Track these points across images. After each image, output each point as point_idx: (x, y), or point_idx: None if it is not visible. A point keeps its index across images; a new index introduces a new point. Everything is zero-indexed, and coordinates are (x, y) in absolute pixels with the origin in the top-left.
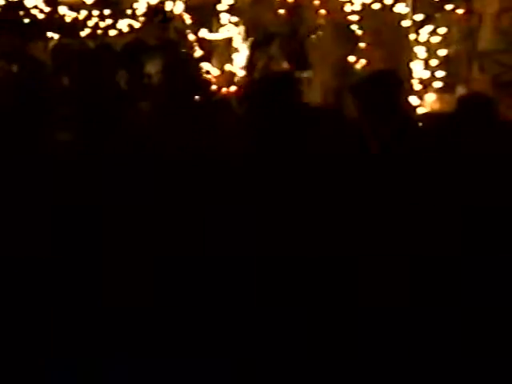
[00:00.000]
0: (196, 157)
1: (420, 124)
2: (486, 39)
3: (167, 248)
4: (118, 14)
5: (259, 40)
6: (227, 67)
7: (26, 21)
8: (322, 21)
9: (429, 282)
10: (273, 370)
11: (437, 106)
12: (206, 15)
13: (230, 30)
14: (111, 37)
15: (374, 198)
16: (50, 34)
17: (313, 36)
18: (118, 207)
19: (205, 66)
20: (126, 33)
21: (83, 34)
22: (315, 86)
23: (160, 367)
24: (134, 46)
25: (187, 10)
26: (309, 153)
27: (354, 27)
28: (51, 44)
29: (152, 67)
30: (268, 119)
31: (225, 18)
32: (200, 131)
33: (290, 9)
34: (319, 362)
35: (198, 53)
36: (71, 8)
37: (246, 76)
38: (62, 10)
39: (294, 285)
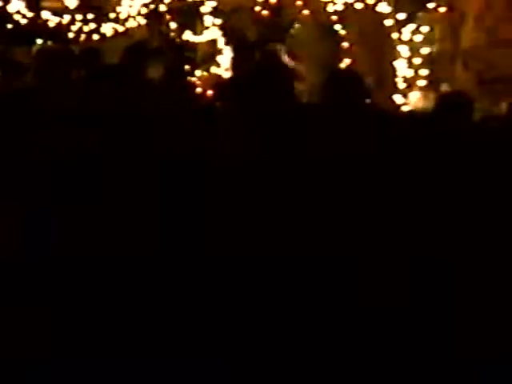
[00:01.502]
0: (196, 158)
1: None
2: (469, 37)
3: (167, 249)
4: (101, 18)
5: (241, 46)
6: (213, 69)
7: (9, 26)
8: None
9: (426, 282)
10: (273, 370)
11: (421, 104)
12: (189, 18)
13: (214, 32)
14: (95, 41)
15: (366, 198)
16: (33, 39)
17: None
18: (118, 208)
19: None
20: (110, 37)
21: (67, 38)
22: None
23: (159, 367)
24: (136, 49)
25: (170, 12)
26: (307, 152)
27: (338, 27)
28: (35, 48)
29: (154, 71)
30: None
31: (208, 20)
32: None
33: (273, 10)
34: (319, 361)
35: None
36: (54, 13)
37: (230, 78)
38: (45, 14)
39: (293, 285)
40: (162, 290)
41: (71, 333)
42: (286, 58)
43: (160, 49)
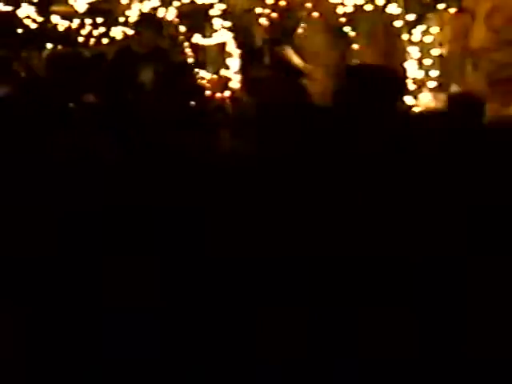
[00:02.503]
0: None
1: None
2: (478, 38)
3: (169, 250)
4: (110, 22)
5: (250, 51)
6: (222, 72)
7: (19, 30)
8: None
9: (435, 282)
10: (273, 369)
11: (431, 105)
12: (198, 21)
13: (223, 34)
14: (105, 45)
15: (372, 199)
16: (43, 44)
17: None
18: (120, 210)
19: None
20: (120, 40)
21: (77, 42)
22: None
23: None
24: (125, 54)
25: (179, 15)
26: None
27: (347, 29)
28: (45, 53)
29: (145, 76)
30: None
31: (217, 23)
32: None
33: (282, 12)
34: (320, 361)
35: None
36: (64, 17)
37: (240, 81)
38: (55, 19)
39: (294, 285)
40: (166, 289)
41: None
42: (295, 60)
43: (151, 53)
